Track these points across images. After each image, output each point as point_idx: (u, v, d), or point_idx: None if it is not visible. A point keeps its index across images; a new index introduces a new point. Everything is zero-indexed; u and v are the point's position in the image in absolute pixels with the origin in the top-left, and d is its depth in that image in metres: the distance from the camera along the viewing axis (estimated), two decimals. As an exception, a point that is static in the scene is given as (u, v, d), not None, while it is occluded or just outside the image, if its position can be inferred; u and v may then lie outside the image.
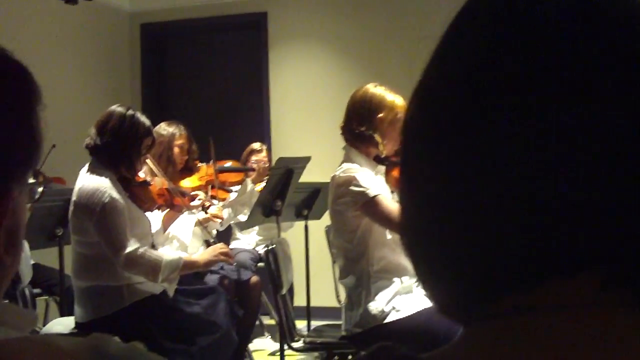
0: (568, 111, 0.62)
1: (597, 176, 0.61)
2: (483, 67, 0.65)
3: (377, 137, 3.84)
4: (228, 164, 5.99)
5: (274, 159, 6.16)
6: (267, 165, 6.47)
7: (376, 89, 3.92)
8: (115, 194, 4.06)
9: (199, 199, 5.07)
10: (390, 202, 3.77)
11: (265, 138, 8.02)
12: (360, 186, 3.75)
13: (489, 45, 0.66)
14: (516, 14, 0.66)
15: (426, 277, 0.72)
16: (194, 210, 4.85)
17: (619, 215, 0.62)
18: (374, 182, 3.82)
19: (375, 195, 3.73)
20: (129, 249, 4.03)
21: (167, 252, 4.35)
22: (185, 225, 5.04)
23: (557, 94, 0.62)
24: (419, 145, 0.70)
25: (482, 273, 0.67)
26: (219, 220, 5.21)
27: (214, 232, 5.22)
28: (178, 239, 4.99)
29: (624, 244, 0.62)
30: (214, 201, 5.40)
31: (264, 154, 6.70)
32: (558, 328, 0.62)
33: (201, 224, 4.85)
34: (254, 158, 6.60)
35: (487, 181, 0.64)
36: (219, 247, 4.53)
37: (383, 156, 3.94)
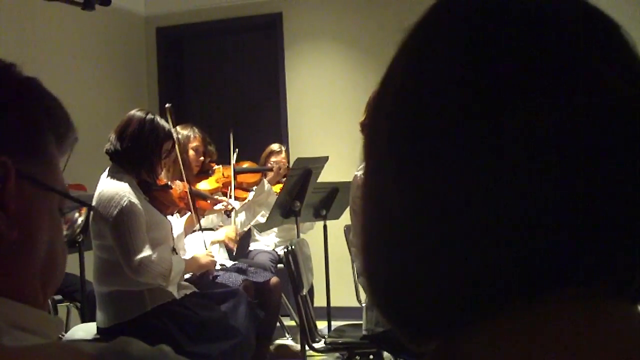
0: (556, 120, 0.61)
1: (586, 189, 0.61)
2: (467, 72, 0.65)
3: None
4: (245, 165, 5.99)
5: (292, 159, 6.17)
6: (286, 166, 6.47)
7: (397, 87, 3.92)
8: (134, 199, 4.07)
9: (223, 205, 5.07)
10: None
11: (282, 139, 8.02)
12: None
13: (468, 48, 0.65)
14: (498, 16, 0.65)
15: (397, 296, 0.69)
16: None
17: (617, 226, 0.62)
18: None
19: None
20: (142, 255, 4.04)
21: (174, 256, 4.37)
22: (196, 244, 5.05)
23: (550, 104, 0.62)
24: (401, 151, 0.68)
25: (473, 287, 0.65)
26: (233, 246, 5.21)
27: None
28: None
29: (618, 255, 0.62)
30: (236, 203, 5.41)
31: (283, 155, 6.68)
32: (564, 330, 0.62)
33: (201, 229, 4.86)
34: (273, 159, 6.59)
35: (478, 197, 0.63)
36: (210, 252, 4.62)
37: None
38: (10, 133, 0.98)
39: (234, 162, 5.56)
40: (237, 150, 5.62)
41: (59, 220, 1.06)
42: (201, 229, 4.81)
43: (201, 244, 4.95)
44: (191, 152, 5.33)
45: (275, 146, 6.75)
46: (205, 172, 5.52)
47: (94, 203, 4.12)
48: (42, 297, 1.03)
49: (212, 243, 5.06)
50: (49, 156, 1.04)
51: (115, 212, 4.02)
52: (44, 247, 1.02)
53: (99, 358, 0.84)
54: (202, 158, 5.44)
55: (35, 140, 1.02)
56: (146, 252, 4.05)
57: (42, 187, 1.01)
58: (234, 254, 5.39)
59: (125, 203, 4.03)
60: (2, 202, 0.95)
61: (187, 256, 4.66)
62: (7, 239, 0.96)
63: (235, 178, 5.46)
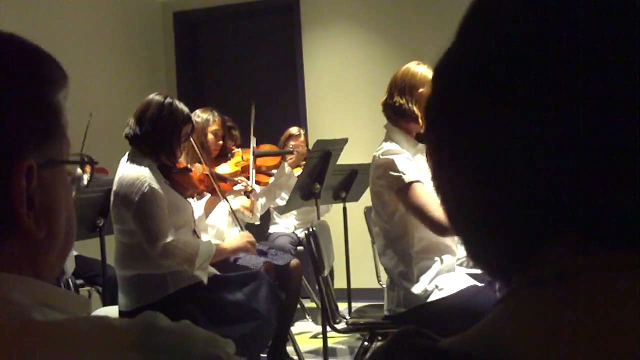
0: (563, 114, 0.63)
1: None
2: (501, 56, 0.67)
3: (417, 111, 3.82)
4: (265, 148, 5.99)
5: (311, 142, 6.17)
6: (305, 150, 6.47)
7: (418, 67, 3.92)
8: (154, 184, 4.08)
9: (243, 185, 5.07)
10: (426, 192, 3.73)
11: (301, 122, 8.02)
12: (397, 171, 3.73)
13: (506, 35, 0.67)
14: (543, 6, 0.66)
15: (474, 249, 0.74)
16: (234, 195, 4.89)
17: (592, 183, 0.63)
18: (413, 166, 3.79)
19: (411, 182, 3.70)
20: (166, 240, 4.06)
21: (202, 240, 4.39)
22: (221, 213, 5.06)
23: (560, 94, 0.63)
24: (454, 122, 0.72)
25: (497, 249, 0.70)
26: (249, 214, 5.22)
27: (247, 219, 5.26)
28: (214, 227, 5.03)
29: (595, 208, 0.63)
30: (256, 186, 5.42)
31: (302, 138, 6.69)
32: (550, 300, 0.64)
33: (233, 213, 4.85)
34: (292, 143, 6.59)
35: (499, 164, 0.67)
36: (247, 234, 4.58)
37: (423, 132, 3.92)
38: (29, 128, 0.97)
39: (254, 140, 5.54)
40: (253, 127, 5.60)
41: (70, 185, 1.06)
42: (226, 199, 4.80)
43: (225, 214, 4.97)
44: (210, 136, 5.31)
45: (294, 129, 6.75)
46: (224, 156, 5.52)
47: (114, 188, 4.14)
48: (58, 268, 1.05)
49: (230, 213, 5.03)
50: (62, 126, 1.03)
51: (137, 198, 4.03)
52: (64, 227, 1.03)
53: (128, 330, 0.86)
54: (221, 142, 5.42)
55: (52, 122, 1.01)
56: (170, 236, 4.08)
57: (57, 164, 1.01)
58: (250, 217, 5.38)
59: (146, 189, 4.04)
60: (31, 201, 0.95)
61: (215, 235, 4.71)
62: (36, 237, 0.96)
63: (254, 159, 5.45)
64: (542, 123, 0.63)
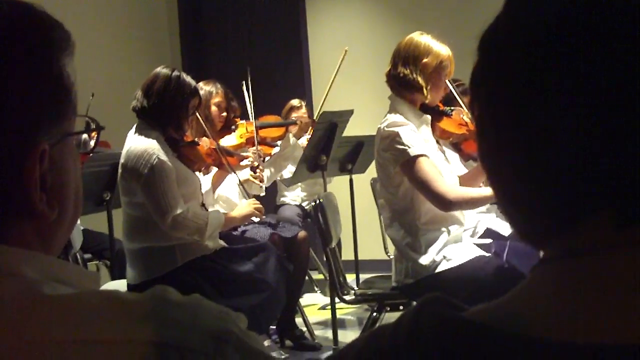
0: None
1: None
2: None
3: (421, 81, 3.80)
4: (269, 119, 5.95)
5: (316, 114, 6.15)
6: (308, 121, 6.45)
7: (422, 37, 3.89)
8: (163, 156, 4.09)
9: (249, 160, 5.06)
10: (431, 166, 3.72)
11: (306, 94, 8.00)
12: (402, 144, 3.71)
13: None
14: None
15: (510, 214, 0.75)
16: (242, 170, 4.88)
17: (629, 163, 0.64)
18: (418, 139, 3.78)
19: (416, 155, 3.69)
20: (176, 212, 4.07)
21: (211, 210, 4.40)
22: (231, 186, 5.07)
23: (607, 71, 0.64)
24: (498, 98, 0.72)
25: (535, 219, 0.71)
26: (260, 183, 5.20)
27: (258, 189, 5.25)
28: (226, 200, 5.03)
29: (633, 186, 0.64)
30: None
31: (303, 110, 6.67)
32: (583, 272, 0.65)
33: (242, 184, 4.85)
34: (294, 115, 6.57)
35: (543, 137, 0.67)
36: (253, 201, 4.63)
37: (428, 103, 3.91)
38: (42, 110, 0.95)
39: (253, 115, 5.51)
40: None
41: (77, 153, 1.05)
42: (235, 172, 4.80)
43: (235, 186, 4.98)
44: (213, 108, 5.29)
45: (295, 101, 6.73)
46: (228, 128, 5.49)
47: (122, 160, 4.15)
48: (65, 239, 1.05)
49: (239, 185, 5.03)
50: (73, 100, 1.01)
51: (146, 170, 4.04)
52: (73, 200, 1.02)
53: (139, 304, 0.86)
54: (224, 114, 5.41)
55: (64, 99, 0.99)
56: (180, 208, 4.09)
57: (66, 137, 1.00)
58: (260, 186, 5.37)
59: (155, 161, 4.05)
60: (43, 183, 0.94)
61: (226, 208, 4.71)
62: (49, 219, 0.96)
63: (257, 132, 5.42)
64: (591, 101, 0.64)
